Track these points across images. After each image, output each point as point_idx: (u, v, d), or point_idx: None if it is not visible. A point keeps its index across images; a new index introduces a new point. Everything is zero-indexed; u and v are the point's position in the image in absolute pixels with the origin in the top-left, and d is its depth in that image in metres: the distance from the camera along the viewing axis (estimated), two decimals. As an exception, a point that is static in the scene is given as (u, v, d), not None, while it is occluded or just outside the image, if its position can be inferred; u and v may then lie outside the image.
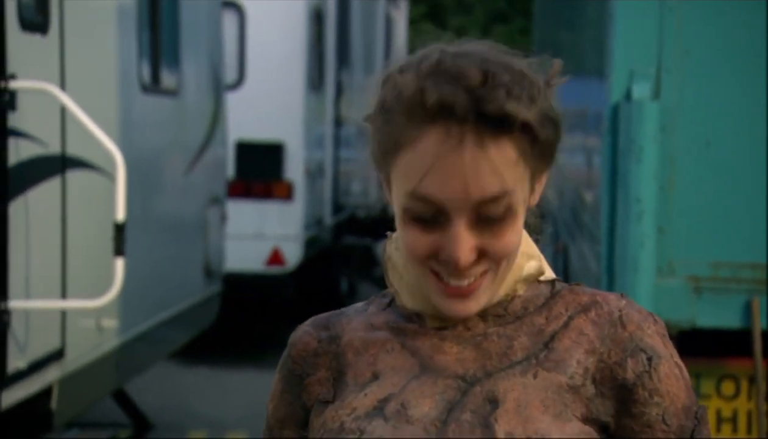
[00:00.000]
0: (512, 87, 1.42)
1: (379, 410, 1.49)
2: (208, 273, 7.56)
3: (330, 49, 11.14)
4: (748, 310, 4.38)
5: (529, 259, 1.55)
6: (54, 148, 4.89)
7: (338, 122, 11.58)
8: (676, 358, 1.53)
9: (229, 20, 9.02)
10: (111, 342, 5.68)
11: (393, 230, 1.54)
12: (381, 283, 2.11)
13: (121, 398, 7.13)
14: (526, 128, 1.43)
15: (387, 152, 1.47)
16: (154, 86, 6.44)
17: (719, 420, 4.51)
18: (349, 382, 1.54)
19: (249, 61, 9.72)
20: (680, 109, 4.34)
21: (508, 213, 1.44)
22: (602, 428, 1.49)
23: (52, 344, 4.92)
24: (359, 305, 1.62)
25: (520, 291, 1.54)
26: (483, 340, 1.52)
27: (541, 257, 1.57)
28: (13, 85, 4.47)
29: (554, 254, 6.19)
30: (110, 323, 5.56)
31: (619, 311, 1.52)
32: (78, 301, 4.98)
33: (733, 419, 4.51)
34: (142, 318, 6.16)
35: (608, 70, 4.46)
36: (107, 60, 5.71)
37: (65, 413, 5.22)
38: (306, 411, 1.58)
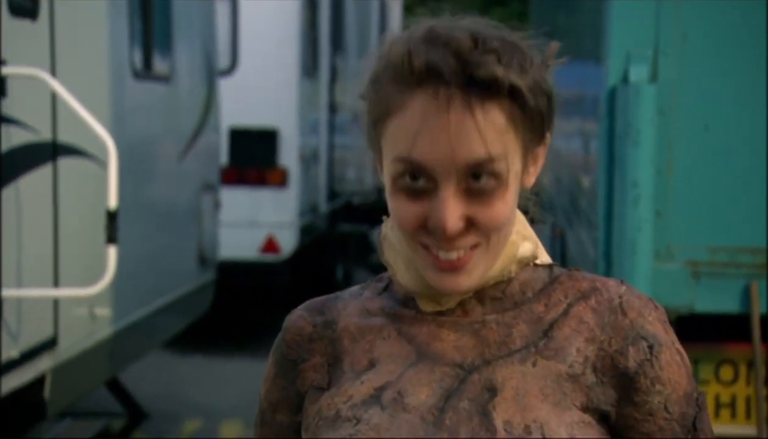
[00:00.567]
0: (503, 54, 1.42)
1: (375, 398, 1.48)
2: (202, 261, 7.53)
3: (324, 34, 11.10)
4: (746, 294, 4.37)
5: (525, 240, 1.53)
6: (45, 135, 4.86)
7: (333, 108, 11.54)
8: (677, 344, 1.52)
9: (222, 5, 8.97)
10: (104, 331, 5.65)
11: (388, 215, 1.52)
12: (377, 270, 2.08)
13: (115, 387, 7.12)
14: (515, 94, 1.42)
15: (377, 121, 1.46)
16: (146, 72, 6.40)
17: (718, 405, 4.50)
18: (345, 369, 1.53)
19: (242, 46, 9.67)
20: (678, 93, 4.31)
21: (497, 183, 1.43)
22: (602, 417, 1.48)
23: (44, 332, 4.89)
24: (355, 288, 1.61)
25: (515, 273, 1.52)
26: (481, 328, 1.50)
27: (538, 241, 1.56)
28: (4, 71, 4.44)
29: (551, 240, 6.16)
30: (103, 311, 5.53)
31: (620, 297, 1.51)
32: (71, 289, 4.95)
33: (732, 404, 4.51)
34: (135, 306, 6.13)
35: (605, 53, 4.43)
36: (98, 46, 5.67)
37: (58, 403, 5.20)
38: (300, 396, 1.56)
